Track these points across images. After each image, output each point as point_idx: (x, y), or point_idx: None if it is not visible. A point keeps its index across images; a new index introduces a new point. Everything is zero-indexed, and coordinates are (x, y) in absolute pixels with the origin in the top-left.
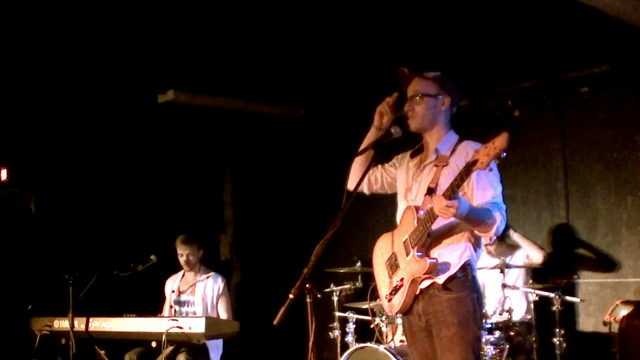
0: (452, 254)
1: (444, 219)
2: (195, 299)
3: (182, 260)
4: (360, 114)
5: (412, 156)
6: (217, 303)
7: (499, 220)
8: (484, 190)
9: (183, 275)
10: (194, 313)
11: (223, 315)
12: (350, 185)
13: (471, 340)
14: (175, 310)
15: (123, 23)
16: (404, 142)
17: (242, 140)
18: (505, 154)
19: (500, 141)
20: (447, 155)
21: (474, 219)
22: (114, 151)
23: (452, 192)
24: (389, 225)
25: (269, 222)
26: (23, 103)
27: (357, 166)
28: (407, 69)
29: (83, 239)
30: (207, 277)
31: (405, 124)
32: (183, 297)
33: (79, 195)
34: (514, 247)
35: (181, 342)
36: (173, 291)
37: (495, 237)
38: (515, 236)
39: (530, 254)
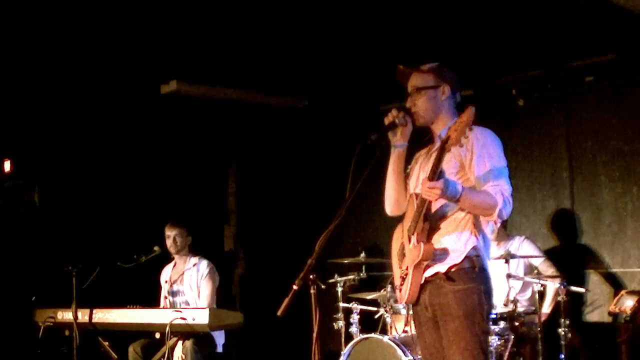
0: (456, 241)
1: (431, 200)
2: (184, 288)
3: (168, 243)
4: (364, 105)
5: (422, 148)
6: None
7: (500, 202)
8: (482, 164)
9: (174, 265)
10: (186, 302)
11: (204, 300)
12: (387, 208)
13: (478, 334)
14: (170, 301)
15: (125, 13)
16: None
17: (246, 131)
18: (472, 129)
19: (466, 115)
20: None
21: (470, 201)
22: (117, 142)
23: (432, 173)
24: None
25: (273, 213)
26: (26, 95)
27: (390, 182)
28: (403, 66)
29: (86, 231)
30: (194, 265)
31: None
32: (175, 287)
33: (83, 186)
34: (512, 235)
35: (185, 333)
36: (166, 281)
37: (500, 221)
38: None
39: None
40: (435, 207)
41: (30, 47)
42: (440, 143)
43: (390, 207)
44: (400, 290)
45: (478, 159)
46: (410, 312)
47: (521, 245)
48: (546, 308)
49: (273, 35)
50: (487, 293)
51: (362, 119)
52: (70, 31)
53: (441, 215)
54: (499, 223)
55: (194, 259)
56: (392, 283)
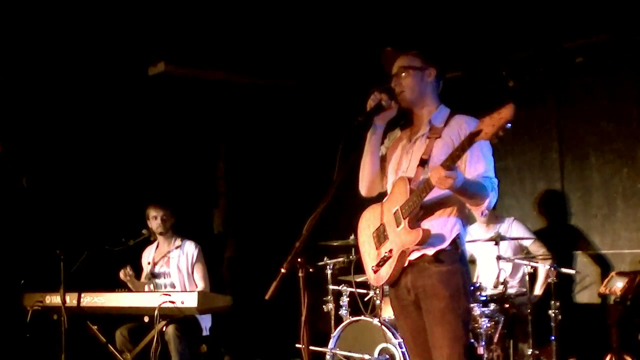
0: (443, 227)
1: (441, 189)
2: (171, 270)
3: (156, 224)
4: (354, 86)
5: (402, 129)
6: (192, 271)
7: (491, 194)
8: (477, 163)
9: (157, 246)
10: (171, 284)
11: (199, 283)
12: (362, 189)
13: (462, 313)
14: (153, 283)
15: None
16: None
17: (234, 112)
18: (510, 125)
19: (506, 112)
20: (440, 127)
21: (468, 191)
22: (105, 125)
23: (451, 163)
24: (383, 197)
25: (262, 195)
26: (13, 79)
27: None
28: (392, 48)
29: (74, 214)
30: (181, 246)
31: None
32: (158, 269)
33: (71, 170)
34: (501, 217)
35: (173, 316)
36: (149, 263)
37: (486, 212)
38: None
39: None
40: (431, 193)
41: (17, 31)
42: (467, 136)
43: (365, 189)
44: (377, 272)
45: (471, 149)
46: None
47: (511, 227)
48: (538, 289)
49: (261, 16)
50: (468, 274)
51: (351, 101)
52: (57, 14)
53: (434, 201)
54: (486, 213)
55: (179, 240)
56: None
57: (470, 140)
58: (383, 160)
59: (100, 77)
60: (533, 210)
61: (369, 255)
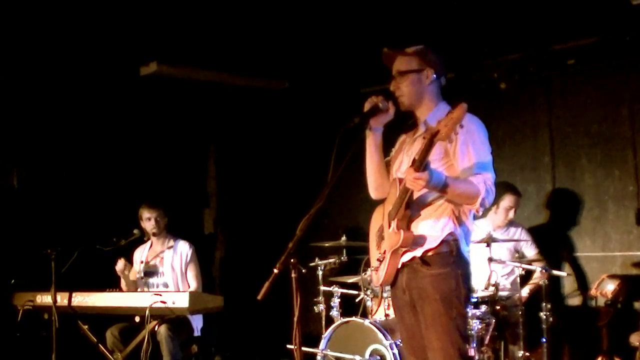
0: (433, 227)
1: (416, 190)
2: (164, 268)
3: (150, 225)
4: (345, 87)
5: (407, 131)
6: (185, 271)
7: (483, 191)
8: (467, 160)
9: (151, 245)
10: (164, 284)
11: (192, 283)
12: (371, 192)
13: (455, 318)
14: (144, 282)
15: None
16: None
17: (226, 112)
18: (462, 125)
19: (457, 112)
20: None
21: (453, 190)
22: (96, 124)
23: (419, 164)
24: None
25: (254, 195)
26: (4, 77)
27: (370, 170)
28: (388, 49)
29: (65, 214)
30: (175, 246)
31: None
32: (151, 268)
33: (62, 169)
34: (515, 224)
35: (165, 316)
36: (142, 262)
37: (482, 209)
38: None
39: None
40: (417, 194)
41: (9, 30)
42: (428, 134)
43: (373, 191)
44: (377, 272)
45: (462, 146)
46: (385, 294)
47: (516, 235)
48: (524, 291)
49: (253, 16)
50: (465, 277)
51: (343, 102)
52: (48, 13)
53: (422, 203)
54: (481, 211)
55: (172, 240)
56: (367, 264)
57: (430, 141)
58: (389, 164)
59: (93, 76)
60: (524, 212)
61: (372, 255)
